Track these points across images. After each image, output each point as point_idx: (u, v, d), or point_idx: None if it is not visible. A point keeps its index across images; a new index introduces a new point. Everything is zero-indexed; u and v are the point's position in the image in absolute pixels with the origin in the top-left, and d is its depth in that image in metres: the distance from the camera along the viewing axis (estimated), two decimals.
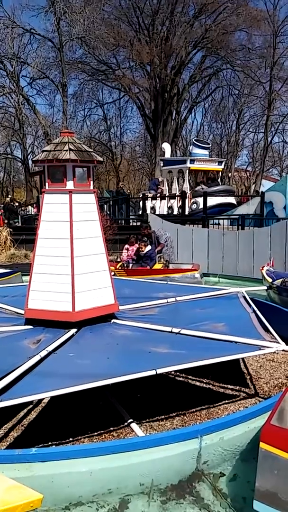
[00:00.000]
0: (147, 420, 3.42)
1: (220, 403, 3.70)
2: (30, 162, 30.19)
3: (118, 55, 28.18)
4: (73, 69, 27.73)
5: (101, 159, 4.31)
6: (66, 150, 3.86)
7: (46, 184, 4.07)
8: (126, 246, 9.27)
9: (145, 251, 8.49)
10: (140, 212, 16.73)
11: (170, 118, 28.15)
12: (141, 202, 17.45)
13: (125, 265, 8.62)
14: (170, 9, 25.78)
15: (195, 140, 21.21)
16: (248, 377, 4.32)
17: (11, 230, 14.00)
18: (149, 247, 8.55)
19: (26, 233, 13.26)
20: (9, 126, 28.12)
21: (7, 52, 24.18)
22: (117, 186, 22.64)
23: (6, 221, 15.59)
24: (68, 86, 26.77)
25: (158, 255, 8.90)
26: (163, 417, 3.48)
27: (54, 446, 3.03)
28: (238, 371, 4.44)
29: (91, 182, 4.15)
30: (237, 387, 4.04)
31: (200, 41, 26.54)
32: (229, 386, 4.06)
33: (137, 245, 8.83)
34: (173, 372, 4.20)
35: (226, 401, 3.74)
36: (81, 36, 23.88)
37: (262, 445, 2.21)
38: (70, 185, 3.94)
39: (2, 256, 12.87)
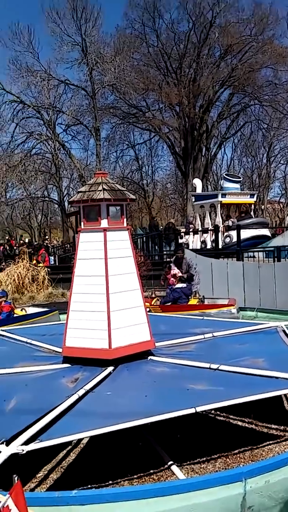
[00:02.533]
0: (188, 462, 3.30)
1: (264, 444, 3.52)
2: (66, 203, 31.26)
3: (147, 98, 29.31)
4: (105, 114, 29.02)
5: (133, 197, 4.43)
6: (100, 190, 4.00)
7: (82, 223, 4.20)
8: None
9: (176, 285, 8.49)
10: (173, 248, 16.78)
11: (200, 154, 28.63)
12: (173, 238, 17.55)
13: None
14: (196, 52, 26.81)
15: (225, 174, 21.36)
16: None
17: (49, 269, 14.37)
18: (183, 285, 8.52)
19: (63, 272, 13.56)
20: (46, 171, 29.44)
21: (43, 102, 25.73)
22: (150, 220, 22.79)
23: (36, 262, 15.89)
24: (100, 130, 27.99)
25: (193, 288, 8.85)
26: (204, 459, 3.34)
27: (93, 488, 2.96)
28: (281, 409, 4.24)
29: (125, 220, 4.25)
30: (282, 427, 3.85)
31: (227, 80, 27.25)
32: (273, 426, 3.87)
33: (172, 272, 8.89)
34: (213, 411, 4.06)
35: (271, 442, 3.56)
36: (112, 83, 25.13)
37: None
38: (104, 223, 4.05)
39: (40, 295, 13.16)
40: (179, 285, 8.55)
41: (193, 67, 27.13)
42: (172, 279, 8.82)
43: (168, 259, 15.20)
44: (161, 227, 21.91)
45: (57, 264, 18.35)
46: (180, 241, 17.14)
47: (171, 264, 9.33)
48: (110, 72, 24.25)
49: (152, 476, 3.15)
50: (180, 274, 8.69)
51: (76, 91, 26.94)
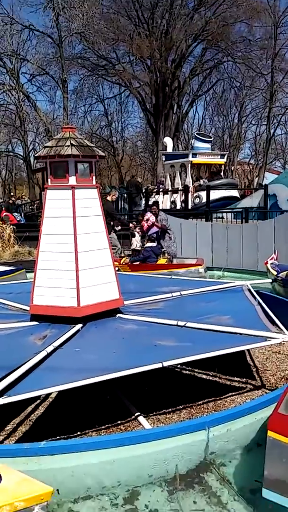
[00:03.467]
0: (154, 413, 3.44)
1: (226, 395, 3.71)
2: (32, 159, 30.17)
3: (118, 49, 28.02)
4: (73, 64, 27.61)
5: (103, 154, 4.31)
6: (68, 146, 3.85)
7: (49, 180, 4.07)
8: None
9: (147, 244, 8.61)
10: (143, 208, 16.70)
11: (172, 112, 28.00)
12: (143, 198, 17.42)
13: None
14: (169, 2, 25.55)
15: (197, 133, 21.09)
16: (254, 369, 4.32)
17: (14, 227, 14.04)
18: (154, 244, 8.57)
19: (29, 230, 13.30)
20: (10, 124, 28.08)
21: (6, 49, 24.07)
22: (131, 179, 22.15)
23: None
24: (68, 82, 26.70)
25: (172, 248, 8.97)
26: (170, 410, 3.49)
27: (62, 439, 3.06)
28: (244, 363, 4.44)
29: (94, 177, 4.15)
30: (244, 379, 4.05)
31: (200, 34, 26.31)
32: (236, 379, 4.06)
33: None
34: (179, 366, 4.21)
35: (233, 393, 3.75)
36: (80, 31, 23.73)
37: (270, 433, 2.23)
38: (72, 180, 3.94)
39: (6, 253, 12.92)
40: (150, 244, 8.59)
41: (166, 18, 25.93)
42: (145, 224, 8.87)
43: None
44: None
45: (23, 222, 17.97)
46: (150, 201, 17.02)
47: (147, 212, 9.36)
48: (78, 19, 22.84)
49: (119, 427, 3.27)
50: (153, 220, 8.75)
51: (41, 38, 25.35)
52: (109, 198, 10.37)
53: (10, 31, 23.66)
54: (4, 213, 16.95)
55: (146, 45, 24.86)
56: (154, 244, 8.62)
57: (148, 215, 9.14)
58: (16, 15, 24.38)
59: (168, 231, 9.01)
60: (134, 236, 9.50)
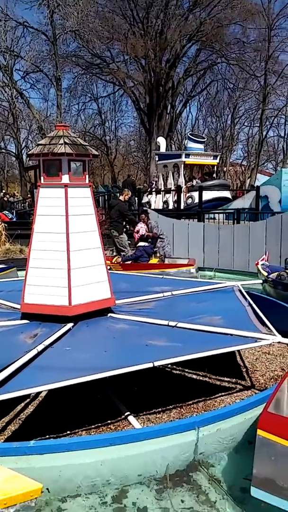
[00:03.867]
0: (144, 412, 3.44)
1: (216, 396, 3.73)
2: (24, 156, 30.01)
3: (112, 48, 27.98)
4: (67, 62, 27.50)
5: (96, 153, 4.30)
6: (62, 144, 3.84)
7: (42, 178, 4.05)
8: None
9: (139, 244, 8.57)
10: (136, 207, 16.70)
11: (165, 112, 28.04)
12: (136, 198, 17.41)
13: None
14: (164, 2, 25.56)
15: (190, 134, 21.14)
16: (244, 369, 4.35)
17: (5, 225, 13.95)
18: (146, 243, 8.57)
19: (21, 227, 13.21)
20: (2, 121, 27.91)
21: (0, 45, 23.93)
22: (126, 178, 21.96)
23: None
24: (62, 79, 26.57)
25: (166, 249, 8.95)
26: (160, 409, 3.50)
27: (52, 439, 3.05)
28: (234, 364, 4.47)
29: (87, 176, 4.14)
30: (234, 380, 4.07)
31: (195, 35, 26.37)
32: (226, 379, 4.09)
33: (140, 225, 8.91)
34: (169, 366, 4.22)
35: (223, 394, 3.77)
36: (74, 29, 23.64)
37: (260, 432, 2.24)
38: (65, 179, 3.93)
39: None
40: (142, 243, 8.59)
41: (161, 18, 25.94)
42: (136, 235, 8.86)
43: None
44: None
45: (15, 219, 17.85)
46: (143, 201, 17.03)
47: (139, 223, 9.33)
48: (72, 17, 22.73)
49: (109, 426, 3.27)
50: (143, 232, 8.73)
51: (35, 35, 25.22)
52: (121, 197, 10.14)
53: (4, 28, 23.49)
54: None
55: (140, 45, 24.86)
56: (147, 244, 8.62)
57: (139, 226, 9.07)
58: (10, 12, 24.28)
59: (160, 236, 8.99)
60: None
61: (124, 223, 9.93)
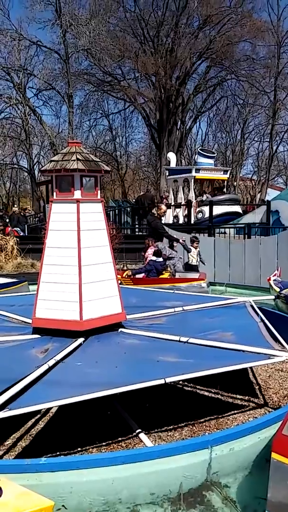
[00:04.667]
0: (156, 430, 3.40)
1: (229, 413, 3.67)
2: (36, 172, 30.42)
3: (123, 66, 28.48)
4: (79, 80, 28.03)
5: (108, 168, 4.35)
6: (74, 160, 3.89)
7: (54, 193, 4.10)
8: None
9: (150, 258, 8.53)
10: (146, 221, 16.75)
11: (175, 128, 28.32)
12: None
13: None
14: (174, 21, 26.07)
15: (200, 149, 21.29)
16: (257, 387, 4.28)
17: (17, 239, 14.09)
18: (159, 258, 8.53)
19: (32, 242, 13.34)
20: (15, 137, 28.39)
21: (14, 64, 24.51)
22: (145, 193, 21.60)
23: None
24: (74, 97, 27.07)
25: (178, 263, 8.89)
26: (171, 427, 3.45)
27: (62, 456, 3.01)
28: (247, 381, 4.40)
29: (99, 192, 4.18)
30: (246, 397, 4.01)
31: (205, 52, 26.77)
32: (238, 396, 4.02)
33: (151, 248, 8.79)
34: (181, 382, 4.17)
35: (235, 411, 3.71)
36: (86, 48, 24.17)
37: (274, 455, 2.19)
38: (77, 194, 3.97)
39: (9, 265, 12.93)
40: (154, 257, 8.56)
41: (171, 36, 26.42)
42: (146, 255, 8.77)
43: (140, 233, 15.19)
44: (133, 201, 21.60)
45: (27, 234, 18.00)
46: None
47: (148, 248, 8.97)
48: (84, 36, 23.27)
49: (120, 444, 3.23)
50: (151, 257, 8.58)
51: (48, 54, 25.80)
52: (154, 211, 9.28)
53: (18, 47, 24.11)
54: (9, 229, 16.85)
55: (151, 62, 25.28)
56: (160, 259, 8.58)
57: (148, 252, 8.81)
58: (24, 31, 24.94)
59: (170, 256, 8.87)
60: (189, 251, 9.26)
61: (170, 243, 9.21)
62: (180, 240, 9.25)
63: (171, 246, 9.14)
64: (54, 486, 2.28)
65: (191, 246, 9.20)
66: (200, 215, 16.66)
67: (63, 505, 2.18)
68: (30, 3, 24.24)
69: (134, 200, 22.13)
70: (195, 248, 9.21)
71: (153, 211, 9.59)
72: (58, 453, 3.07)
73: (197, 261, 9.20)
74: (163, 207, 9.74)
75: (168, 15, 26.43)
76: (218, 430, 3.31)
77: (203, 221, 15.82)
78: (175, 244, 9.20)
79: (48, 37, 30.59)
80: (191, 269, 8.97)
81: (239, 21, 25.95)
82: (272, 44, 28.27)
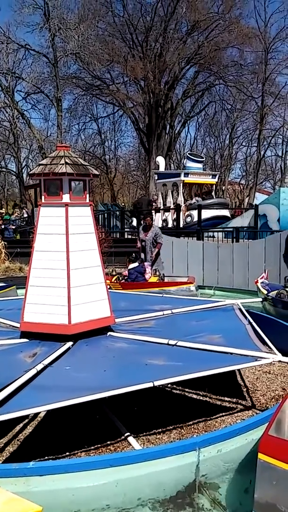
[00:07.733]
0: (144, 433, 3.40)
1: (217, 416, 3.69)
2: (24, 175, 30.29)
3: (112, 70, 28.59)
4: (67, 84, 28.06)
5: (97, 172, 4.36)
6: (63, 164, 3.90)
7: (42, 197, 4.10)
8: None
9: (129, 266, 8.51)
10: (135, 224, 16.79)
11: (164, 132, 28.47)
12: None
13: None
14: (163, 26, 26.27)
15: (189, 153, 21.43)
16: (245, 389, 4.31)
17: (5, 243, 13.97)
18: (135, 264, 8.53)
19: (21, 246, 13.24)
20: (3, 140, 28.28)
21: (2, 67, 24.44)
22: (143, 196, 21.49)
23: None
24: (62, 100, 27.08)
25: (154, 268, 8.89)
26: (160, 430, 3.46)
27: (51, 460, 3.00)
28: (234, 383, 4.43)
29: (87, 195, 4.19)
30: (234, 399, 4.03)
31: (193, 57, 27.01)
32: (226, 399, 4.05)
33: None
34: (169, 385, 4.19)
35: (223, 414, 3.73)
36: (75, 52, 24.20)
37: (261, 456, 2.21)
38: (66, 198, 3.97)
39: None
40: (132, 265, 8.57)
41: (160, 41, 26.62)
42: (125, 272, 8.73)
43: (129, 236, 15.21)
44: (122, 204, 21.61)
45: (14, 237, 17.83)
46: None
47: (140, 230, 9.29)
48: (73, 40, 23.32)
49: (109, 447, 3.23)
50: (129, 268, 8.60)
51: (37, 58, 25.82)
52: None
53: (6, 50, 24.06)
54: None
55: (140, 67, 25.42)
56: (136, 264, 8.59)
57: (142, 235, 9.09)
58: (12, 35, 24.89)
59: (159, 242, 9.01)
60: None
61: None
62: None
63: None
64: (42, 490, 2.27)
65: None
66: (189, 219, 16.75)
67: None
68: (18, 7, 24.32)
69: (131, 204, 22.03)
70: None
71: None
72: (46, 457, 3.05)
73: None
74: (149, 219, 9.89)
75: (157, 20, 26.64)
76: (206, 432, 3.33)
77: (191, 225, 15.90)
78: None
79: (36, 40, 30.65)
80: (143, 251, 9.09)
81: (227, 27, 26.26)
82: (260, 50, 28.69)
